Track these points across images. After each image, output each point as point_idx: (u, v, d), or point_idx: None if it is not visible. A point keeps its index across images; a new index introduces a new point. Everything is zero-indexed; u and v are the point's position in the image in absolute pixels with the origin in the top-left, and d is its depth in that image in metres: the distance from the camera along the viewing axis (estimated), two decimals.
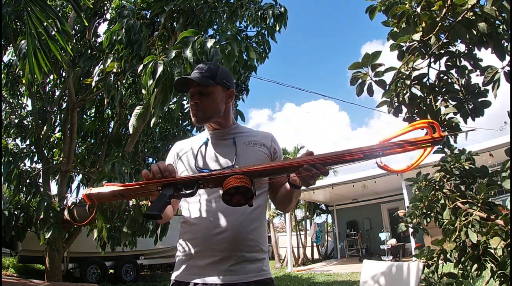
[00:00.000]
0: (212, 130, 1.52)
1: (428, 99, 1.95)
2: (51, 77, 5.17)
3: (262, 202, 1.44)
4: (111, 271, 9.42)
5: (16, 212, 4.28)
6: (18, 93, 6.05)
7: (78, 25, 5.12)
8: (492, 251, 1.91)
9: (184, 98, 3.99)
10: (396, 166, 1.18)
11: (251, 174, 1.15)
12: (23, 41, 3.38)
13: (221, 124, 1.50)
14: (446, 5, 1.66)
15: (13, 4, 3.66)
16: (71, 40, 3.74)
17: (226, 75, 1.45)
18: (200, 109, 1.42)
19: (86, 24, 4.58)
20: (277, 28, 4.74)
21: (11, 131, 6.10)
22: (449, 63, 1.93)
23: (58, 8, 5.14)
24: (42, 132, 5.36)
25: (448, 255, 2.14)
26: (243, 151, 1.42)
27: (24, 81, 5.36)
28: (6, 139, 6.11)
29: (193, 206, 1.40)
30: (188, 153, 1.48)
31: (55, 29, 2.53)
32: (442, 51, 1.88)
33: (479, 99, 1.81)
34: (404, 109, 2.05)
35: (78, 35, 5.08)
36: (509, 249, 1.76)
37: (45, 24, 2.38)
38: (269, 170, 1.19)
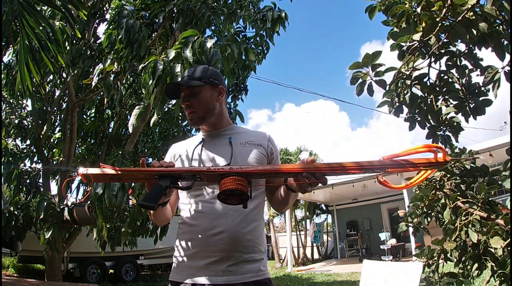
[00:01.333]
0: (206, 132, 1.52)
1: (429, 99, 1.95)
2: (51, 77, 5.16)
3: (260, 202, 1.43)
4: (111, 271, 9.43)
5: (16, 212, 4.28)
6: (18, 93, 6.04)
7: (78, 26, 5.11)
8: (492, 250, 1.91)
9: None
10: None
11: (249, 175, 1.15)
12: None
13: (215, 125, 1.50)
14: (446, 5, 1.66)
15: (10, 4, 3.66)
16: (63, 50, 3.72)
17: (213, 74, 1.47)
18: (192, 111, 1.44)
19: (79, 35, 4.58)
20: (276, 29, 4.73)
21: (11, 132, 6.09)
22: (449, 63, 1.93)
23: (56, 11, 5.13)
24: (42, 132, 5.37)
25: (448, 255, 2.14)
26: (239, 150, 1.42)
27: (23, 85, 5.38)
28: (6, 139, 6.10)
29: (191, 206, 1.40)
30: (184, 155, 1.48)
31: (46, 39, 2.54)
32: (443, 51, 1.89)
33: (480, 98, 1.81)
34: (405, 109, 2.05)
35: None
36: (509, 248, 1.76)
37: (37, 33, 2.37)
38: (268, 173, 1.19)
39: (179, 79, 1.41)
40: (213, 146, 1.46)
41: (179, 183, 1.19)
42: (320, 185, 1.16)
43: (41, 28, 2.42)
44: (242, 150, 1.43)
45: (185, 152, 1.49)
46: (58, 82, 5.62)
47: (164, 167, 1.20)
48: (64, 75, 5.02)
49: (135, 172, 1.20)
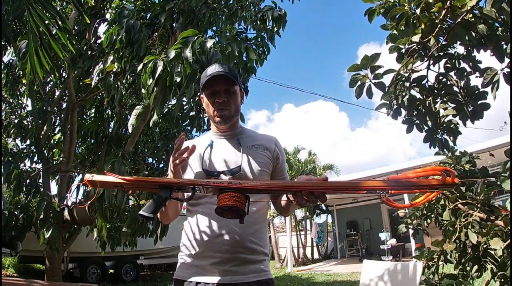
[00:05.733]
0: (220, 132, 1.52)
1: (427, 102, 1.95)
2: (51, 77, 5.16)
3: (263, 205, 1.45)
4: (111, 271, 9.43)
5: (16, 212, 4.28)
6: (18, 93, 6.03)
7: (78, 25, 5.12)
8: (492, 252, 1.91)
9: (184, 98, 3.98)
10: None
11: (248, 190, 1.15)
12: (23, 41, 3.38)
13: (233, 126, 1.51)
14: (445, 7, 1.66)
15: (12, 3, 3.66)
16: (73, 37, 3.72)
17: (239, 77, 1.49)
18: (227, 108, 1.44)
19: (88, 21, 4.57)
20: (276, 29, 4.72)
21: (11, 132, 6.09)
22: (448, 65, 1.93)
23: (59, 8, 5.13)
24: (42, 132, 5.36)
25: (448, 256, 2.14)
26: (247, 154, 1.43)
27: (24, 81, 5.38)
28: (6, 139, 6.10)
29: (197, 207, 1.42)
30: (194, 154, 1.48)
31: (57, 27, 2.51)
32: (441, 53, 1.89)
33: (479, 102, 1.81)
34: (403, 112, 2.05)
35: (78, 35, 5.07)
36: (509, 250, 1.76)
37: (46, 22, 2.36)
38: (266, 190, 1.20)
39: (220, 72, 1.36)
40: (224, 148, 1.47)
41: (179, 193, 1.22)
42: None
43: (48, 16, 2.40)
44: (249, 153, 1.44)
45: (195, 151, 1.49)
46: (58, 82, 5.62)
47: (177, 162, 1.25)
48: (64, 75, 5.01)
49: (138, 181, 1.24)
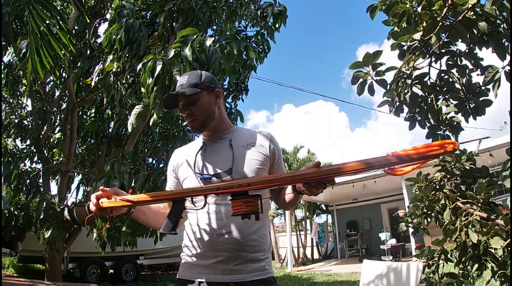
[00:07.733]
0: (207, 136, 1.52)
1: (429, 99, 1.95)
2: (52, 77, 5.15)
3: (264, 202, 1.44)
4: (111, 271, 9.43)
5: (16, 212, 4.27)
6: (18, 93, 6.03)
7: (78, 26, 5.12)
8: (492, 251, 1.91)
9: None
10: None
11: (258, 188, 1.15)
12: (23, 41, 3.38)
13: (216, 129, 1.50)
14: (447, 5, 1.66)
15: (12, 3, 3.65)
16: (73, 37, 3.72)
17: (207, 78, 1.47)
18: (193, 118, 1.44)
19: (88, 21, 4.57)
20: (277, 26, 4.72)
21: (11, 132, 6.08)
22: (450, 62, 1.93)
23: (59, 8, 5.12)
24: (42, 132, 5.35)
25: (448, 255, 2.14)
26: (241, 153, 1.42)
27: (24, 81, 5.38)
28: (6, 139, 6.09)
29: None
30: (187, 159, 1.48)
31: (57, 27, 2.51)
32: (443, 51, 1.89)
33: (480, 98, 1.81)
34: (406, 109, 2.05)
35: (78, 35, 5.07)
36: (509, 248, 1.76)
37: (47, 22, 2.36)
38: (275, 184, 1.19)
39: (177, 88, 1.42)
40: (214, 150, 1.46)
41: (192, 203, 1.24)
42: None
43: (49, 15, 2.40)
44: (243, 152, 1.43)
45: (188, 156, 1.49)
46: (58, 82, 5.62)
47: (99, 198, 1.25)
48: (64, 75, 5.01)
49: (150, 200, 1.25)
